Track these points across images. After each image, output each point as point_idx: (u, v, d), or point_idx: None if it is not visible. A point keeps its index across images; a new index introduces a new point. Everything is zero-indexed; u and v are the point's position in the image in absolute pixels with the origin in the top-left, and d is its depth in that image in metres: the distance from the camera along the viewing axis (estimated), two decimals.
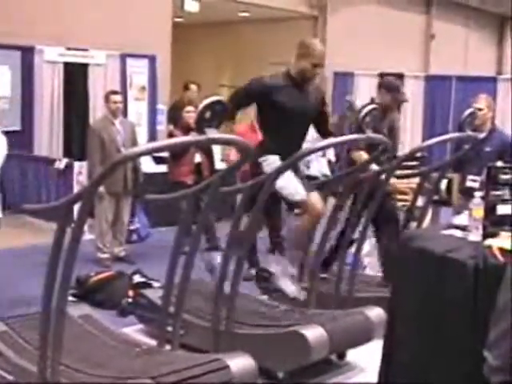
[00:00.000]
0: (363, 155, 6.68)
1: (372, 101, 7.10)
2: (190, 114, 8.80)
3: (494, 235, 3.91)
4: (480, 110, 7.37)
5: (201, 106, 4.16)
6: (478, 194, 4.10)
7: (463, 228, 4.13)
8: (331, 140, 6.10)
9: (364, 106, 6.84)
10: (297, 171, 5.99)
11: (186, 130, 8.65)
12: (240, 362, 4.50)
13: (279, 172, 5.21)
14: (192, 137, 4.67)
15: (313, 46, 6.05)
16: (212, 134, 4.07)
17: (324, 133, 6.40)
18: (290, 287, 5.71)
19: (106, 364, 4.56)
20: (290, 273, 5.76)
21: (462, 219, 4.29)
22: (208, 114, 4.09)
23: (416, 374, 3.97)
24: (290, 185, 5.59)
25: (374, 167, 6.33)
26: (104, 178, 4.06)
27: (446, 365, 3.80)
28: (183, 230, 4.97)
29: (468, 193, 7.31)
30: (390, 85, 7.26)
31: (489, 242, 3.83)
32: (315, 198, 5.89)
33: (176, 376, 4.18)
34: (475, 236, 3.97)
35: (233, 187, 5.87)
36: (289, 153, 5.44)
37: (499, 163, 4.30)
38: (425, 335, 3.93)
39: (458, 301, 3.66)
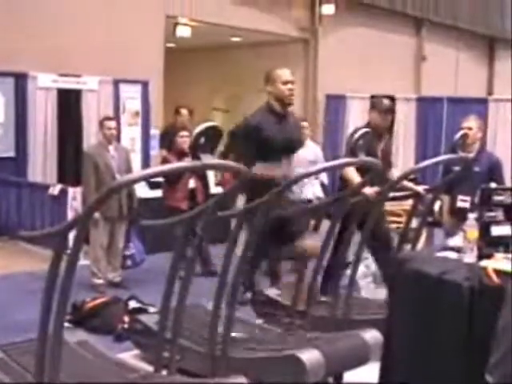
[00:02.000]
0: (354, 173, 6.72)
1: (368, 124, 7.16)
2: (183, 139, 8.84)
3: (488, 256, 3.94)
4: (470, 129, 7.44)
5: (195, 131, 4.18)
6: (471, 215, 4.13)
7: (458, 249, 4.16)
8: (324, 164, 6.14)
9: (357, 129, 6.92)
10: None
11: (180, 154, 8.69)
12: None
13: (273, 200, 5.20)
14: (187, 162, 4.68)
15: (272, 70, 6.23)
16: (207, 159, 4.10)
17: None
18: None
19: None
20: None
21: (456, 241, 4.31)
22: (202, 140, 4.12)
23: None
24: None
25: (367, 190, 6.36)
26: (99, 204, 4.08)
27: None
28: (178, 255, 4.98)
29: (459, 213, 7.37)
30: (374, 101, 7.37)
31: (484, 263, 3.85)
32: None
33: None
34: (470, 257, 4.00)
35: (228, 212, 5.88)
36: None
37: (492, 184, 4.34)
38: (421, 357, 3.94)
39: (453, 322, 3.68)
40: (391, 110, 7.33)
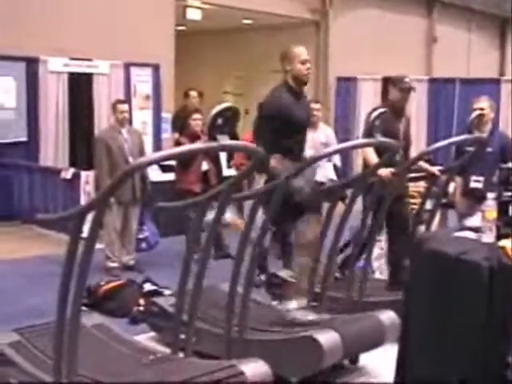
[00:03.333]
0: (373, 153, 6.69)
1: (387, 103, 7.10)
2: (196, 122, 8.83)
3: (507, 236, 3.91)
4: (482, 109, 7.42)
5: (212, 112, 4.18)
6: (490, 195, 4.11)
7: (476, 229, 4.14)
8: (341, 145, 6.13)
9: (375, 109, 6.89)
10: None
11: (193, 137, 8.67)
12: (255, 368, 4.49)
13: (289, 179, 5.21)
14: (204, 143, 4.67)
15: (289, 49, 6.28)
16: (224, 140, 4.09)
17: None
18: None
19: (121, 373, 4.56)
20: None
21: (474, 221, 4.30)
22: (220, 121, 4.11)
23: (431, 376, 3.97)
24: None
25: (382, 171, 6.33)
26: (117, 186, 4.07)
27: (462, 367, 3.80)
28: (194, 237, 4.98)
29: (472, 194, 7.35)
30: (394, 78, 7.26)
31: (502, 242, 3.83)
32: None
33: (192, 383, 4.18)
34: (488, 237, 3.97)
35: (242, 193, 5.88)
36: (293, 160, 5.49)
37: (510, 164, 4.31)
38: (440, 338, 3.93)
39: (473, 302, 3.66)
40: (411, 90, 7.24)
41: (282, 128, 6.12)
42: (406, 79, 7.15)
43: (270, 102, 6.25)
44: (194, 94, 11.80)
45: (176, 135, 10.54)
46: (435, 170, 6.93)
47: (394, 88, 7.14)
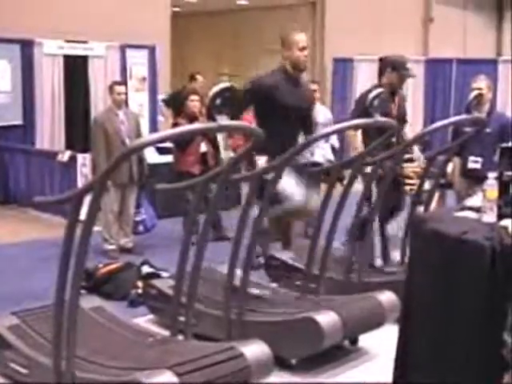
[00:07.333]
0: (357, 136, 6.73)
1: (379, 85, 7.07)
2: (194, 103, 8.80)
3: (508, 216, 3.89)
4: (480, 89, 7.40)
5: (211, 92, 4.14)
6: (491, 174, 4.08)
7: (477, 209, 4.11)
8: (338, 126, 6.10)
9: (372, 88, 6.86)
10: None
11: (191, 118, 8.63)
12: (255, 350, 4.49)
13: (284, 163, 5.15)
14: (202, 124, 4.64)
15: (288, 35, 6.35)
16: (223, 121, 4.06)
17: (307, 130, 6.54)
18: None
19: (120, 355, 4.55)
20: None
21: (474, 200, 4.27)
22: (219, 101, 4.08)
23: (433, 356, 3.96)
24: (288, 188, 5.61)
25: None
26: (114, 168, 4.04)
27: (463, 348, 3.78)
28: (192, 219, 4.95)
29: (470, 174, 7.35)
30: (396, 62, 7.12)
31: (504, 222, 3.80)
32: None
33: (192, 365, 4.16)
34: (489, 217, 3.95)
35: (240, 174, 5.85)
36: (289, 146, 5.45)
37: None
38: (440, 318, 3.92)
39: (474, 282, 3.64)
40: (412, 77, 7.27)
41: (266, 109, 6.12)
42: (408, 65, 7.08)
43: (257, 80, 6.30)
44: (200, 78, 11.84)
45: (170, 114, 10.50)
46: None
47: (393, 71, 7.02)
